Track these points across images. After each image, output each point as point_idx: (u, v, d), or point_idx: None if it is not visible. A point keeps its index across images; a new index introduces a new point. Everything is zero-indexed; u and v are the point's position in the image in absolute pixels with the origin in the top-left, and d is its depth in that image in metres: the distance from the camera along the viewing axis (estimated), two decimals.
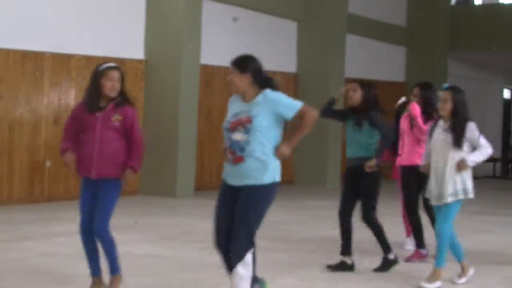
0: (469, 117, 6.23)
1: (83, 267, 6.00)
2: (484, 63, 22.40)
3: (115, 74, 5.36)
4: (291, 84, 16.11)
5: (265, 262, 7.04)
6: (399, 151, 7.71)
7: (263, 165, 4.92)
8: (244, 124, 4.93)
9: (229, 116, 5.08)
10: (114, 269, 5.52)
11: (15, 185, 11.08)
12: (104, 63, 5.49)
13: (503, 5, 21.98)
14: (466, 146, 6.18)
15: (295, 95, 15.58)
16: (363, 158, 6.71)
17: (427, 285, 6.18)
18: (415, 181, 7.36)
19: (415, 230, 7.51)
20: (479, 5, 22.18)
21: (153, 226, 9.45)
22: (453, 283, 6.45)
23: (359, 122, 6.74)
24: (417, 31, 19.62)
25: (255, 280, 5.07)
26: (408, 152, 7.50)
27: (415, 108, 7.40)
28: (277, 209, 11.44)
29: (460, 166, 6.14)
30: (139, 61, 12.85)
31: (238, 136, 4.94)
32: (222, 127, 5.09)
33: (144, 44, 12.89)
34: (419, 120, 7.31)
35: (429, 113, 7.30)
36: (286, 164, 16.28)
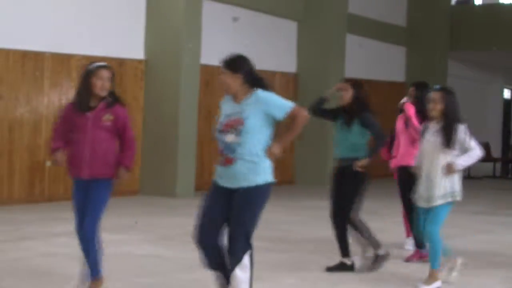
0: (460, 118, 6.17)
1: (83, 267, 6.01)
2: (484, 63, 22.41)
3: (106, 73, 5.33)
4: (291, 84, 16.12)
5: (265, 262, 7.04)
6: (394, 152, 7.71)
7: (255, 167, 4.89)
8: (236, 126, 4.90)
9: (221, 118, 5.06)
10: (95, 272, 5.42)
11: (15, 185, 11.09)
12: (94, 62, 5.47)
13: (503, 5, 21.99)
14: (456, 149, 6.11)
15: (295, 95, 15.59)
16: (352, 158, 6.66)
17: (425, 287, 6.16)
18: (411, 181, 7.35)
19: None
20: (479, 5, 22.20)
21: (153, 226, 9.45)
22: (446, 282, 6.37)
23: (349, 121, 6.70)
24: (417, 31, 19.63)
25: None
26: (403, 152, 7.51)
27: (410, 108, 7.40)
28: (277, 209, 11.49)
29: (448, 169, 6.06)
30: (139, 61, 12.85)
31: (230, 138, 4.92)
32: (215, 129, 5.07)
33: (144, 44, 12.89)
34: (414, 120, 7.30)
35: (425, 113, 7.29)
36: (286, 164, 16.35)
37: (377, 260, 6.84)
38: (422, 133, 6.38)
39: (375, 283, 6.48)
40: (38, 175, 11.30)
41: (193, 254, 7.51)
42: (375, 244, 6.85)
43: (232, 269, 4.89)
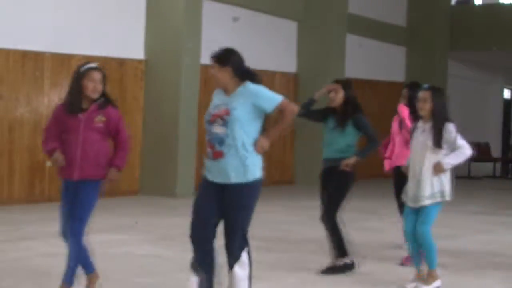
0: (448, 118, 6.12)
1: None
2: (484, 63, 22.42)
3: (97, 75, 5.27)
4: (291, 84, 16.12)
5: (265, 262, 7.04)
6: (388, 153, 7.70)
7: (244, 162, 4.87)
8: (223, 116, 4.89)
9: (211, 108, 5.05)
10: (69, 280, 5.32)
11: (15, 185, 11.09)
12: (85, 63, 5.41)
13: (503, 5, 22.00)
14: (444, 148, 6.07)
15: (295, 95, 15.60)
16: (342, 159, 6.62)
17: (425, 287, 6.14)
18: (405, 181, 7.33)
19: None
20: (479, 5, 22.21)
21: (153, 226, 9.45)
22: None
23: (343, 123, 6.64)
24: (417, 31, 19.63)
25: None
26: (397, 153, 7.50)
27: (403, 110, 7.40)
28: (277, 209, 11.49)
29: (436, 169, 6.02)
30: (139, 61, 12.85)
31: (217, 128, 4.91)
32: (205, 120, 5.04)
33: (144, 44, 12.89)
34: (407, 121, 7.29)
35: (418, 113, 7.27)
36: (286, 164, 16.35)
37: (341, 268, 6.70)
38: (411, 133, 6.35)
39: (374, 284, 6.48)
40: (38, 175, 11.30)
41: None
42: (342, 252, 6.71)
43: (231, 267, 4.89)
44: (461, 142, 6.09)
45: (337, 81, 6.89)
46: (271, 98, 4.93)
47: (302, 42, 16.32)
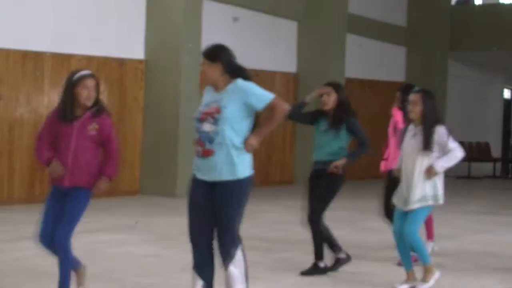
0: (439, 120, 6.08)
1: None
2: (484, 63, 22.42)
3: (91, 82, 5.20)
4: (291, 84, 16.12)
5: (265, 262, 7.04)
6: (386, 155, 7.69)
7: (234, 160, 4.83)
8: (213, 114, 4.85)
9: (201, 106, 5.01)
10: (76, 266, 5.32)
11: (15, 185, 11.09)
12: (77, 70, 5.32)
13: (503, 5, 22.01)
14: (436, 151, 6.02)
15: (295, 95, 15.60)
16: (332, 162, 6.58)
17: (425, 285, 6.13)
18: (397, 184, 7.30)
19: None
20: (479, 5, 22.21)
21: (153, 226, 9.45)
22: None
23: (336, 126, 6.59)
24: (417, 31, 19.63)
25: None
26: (393, 156, 7.49)
27: (396, 113, 7.38)
28: (277, 209, 11.49)
29: (429, 172, 5.98)
30: (139, 61, 12.85)
31: (207, 127, 4.88)
32: (194, 118, 4.98)
33: (144, 44, 12.89)
34: (400, 124, 7.26)
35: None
36: (286, 164, 16.35)
37: (316, 269, 6.67)
38: (401, 136, 6.29)
39: (374, 284, 6.48)
40: (38, 175, 11.30)
41: None
42: (320, 255, 6.69)
43: (226, 266, 4.85)
44: (453, 145, 6.04)
45: (328, 84, 6.83)
46: (262, 96, 4.87)
47: (302, 42, 16.32)
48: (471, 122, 21.57)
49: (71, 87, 5.19)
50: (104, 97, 12.29)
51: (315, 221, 6.65)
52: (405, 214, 6.09)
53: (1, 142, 10.92)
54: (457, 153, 6.03)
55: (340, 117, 6.62)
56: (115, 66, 12.41)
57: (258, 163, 15.04)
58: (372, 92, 18.18)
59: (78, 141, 5.18)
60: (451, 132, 6.10)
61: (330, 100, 6.67)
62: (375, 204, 12.47)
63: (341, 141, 6.64)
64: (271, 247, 8.04)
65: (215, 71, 4.95)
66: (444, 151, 6.03)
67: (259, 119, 4.98)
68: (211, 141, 4.87)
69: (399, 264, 7.14)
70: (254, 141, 4.86)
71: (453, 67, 20.40)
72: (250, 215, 10.55)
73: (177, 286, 6.13)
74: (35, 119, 11.26)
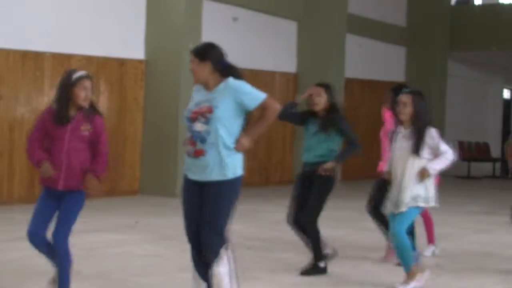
0: (430, 122, 6.00)
1: (83, 267, 6.01)
2: (484, 63, 22.43)
3: (88, 83, 5.16)
4: (291, 84, 16.13)
5: (265, 262, 7.05)
6: (382, 157, 7.68)
7: (225, 160, 4.79)
8: (205, 114, 4.81)
9: (191, 105, 4.98)
10: (64, 287, 5.24)
11: (15, 185, 11.09)
12: (72, 71, 5.25)
13: (503, 5, 22.01)
14: (427, 153, 5.96)
15: (295, 95, 15.59)
16: (322, 163, 6.56)
17: (402, 286, 6.08)
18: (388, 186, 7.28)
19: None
20: (479, 5, 22.22)
21: (153, 226, 9.45)
22: None
23: (327, 128, 6.55)
24: (417, 31, 19.64)
25: None
26: (386, 157, 7.48)
27: (386, 113, 7.37)
28: (278, 209, 11.48)
29: (422, 175, 5.92)
30: (139, 61, 12.85)
31: (198, 126, 4.83)
32: (183, 117, 4.95)
33: (144, 44, 12.90)
34: (387, 124, 7.24)
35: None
36: (286, 164, 16.34)
37: (315, 270, 6.65)
38: (391, 137, 6.22)
39: (374, 283, 6.48)
40: (38, 175, 11.26)
41: None
42: (319, 256, 6.67)
43: (211, 265, 4.81)
44: (444, 147, 5.98)
45: (319, 85, 6.77)
46: (254, 96, 4.83)
47: (302, 42, 16.33)
48: (471, 122, 21.58)
49: (68, 88, 5.13)
50: (104, 97, 12.32)
51: (311, 223, 6.64)
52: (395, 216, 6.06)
53: (1, 142, 10.92)
54: (448, 155, 5.96)
55: (330, 118, 6.58)
56: (115, 66, 12.41)
57: (258, 163, 15.27)
58: (372, 92, 18.19)
59: (71, 143, 5.13)
60: (441, 134, 6.07)
61: (321, 101, 6.63)
62: None
63: (331, 142, 6.60)
64: (271, 247, 8.04)
65: (205, 69, 4.93)
66: (436, 154, 5.97)
67: (251, 118, 4.94)
68: (203, 140, 4.81)
69: (399, 265, 7.15)
70: (246, 141, 4.83)
71: (453, 67, 20.41)
72: (250, 215, 10.62)
73: (177, 286, 6.13)
74: (35, 119, 11.23)
